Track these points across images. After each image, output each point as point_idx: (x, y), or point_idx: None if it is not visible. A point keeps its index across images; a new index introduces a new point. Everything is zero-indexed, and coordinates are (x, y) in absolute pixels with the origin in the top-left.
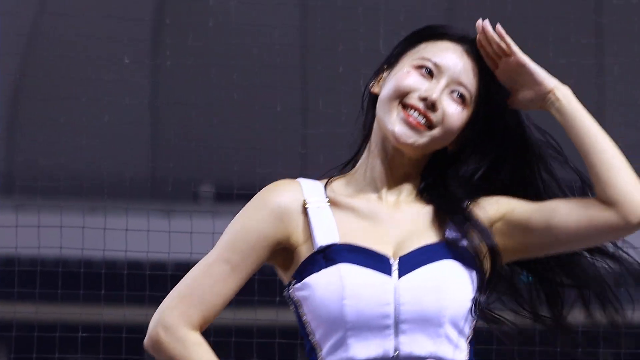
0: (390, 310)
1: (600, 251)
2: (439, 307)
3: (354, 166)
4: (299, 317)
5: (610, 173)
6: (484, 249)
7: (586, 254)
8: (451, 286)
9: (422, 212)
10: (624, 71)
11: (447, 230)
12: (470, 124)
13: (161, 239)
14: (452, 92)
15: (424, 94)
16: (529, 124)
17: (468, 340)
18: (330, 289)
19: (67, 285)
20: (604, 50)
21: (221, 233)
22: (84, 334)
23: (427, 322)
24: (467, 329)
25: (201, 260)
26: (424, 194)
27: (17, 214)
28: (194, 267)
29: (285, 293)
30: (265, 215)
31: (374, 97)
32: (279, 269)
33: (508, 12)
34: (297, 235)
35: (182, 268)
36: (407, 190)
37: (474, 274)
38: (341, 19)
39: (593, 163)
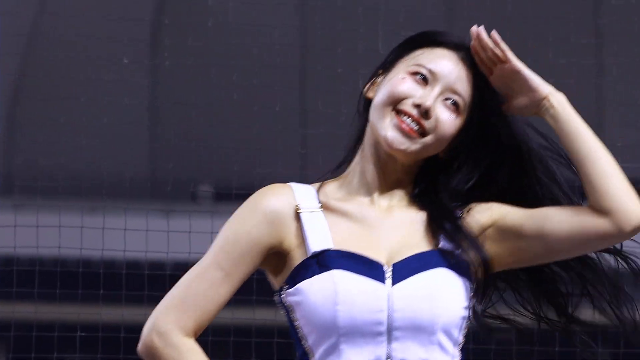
0: (383, 317)
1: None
2: (432, 315)
3: (346, 169)
4: (291, 322)
5: (604, 182)
6: (476, 259)
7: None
8: (444, 295)
9: (415, 219)
10: (623, 71)
11: (440, 238)
12: (463, 132)
13: (160, 238)
14: (446, 99)
15: (417, 101)
16: (525, 127)
17: (459, 347)
18: (323, 294)
19: (66, 285)
20: (604, 51)
21: None
22: (82, 334)
23: (420, 330)
24: (459, 336)
25: (194, 266)
26: (417, 200)
27: (15, 214)
28: (187, 273)
29: (276, 298)
30: (258, 220)
31: (368, 102)
32: (270, 273)
33: (508, 12)
34: (290, 240)
35: (180, 268)
36: (399, 196)
37: (467, 282)
38: (341, 19)
39: (587, 171)
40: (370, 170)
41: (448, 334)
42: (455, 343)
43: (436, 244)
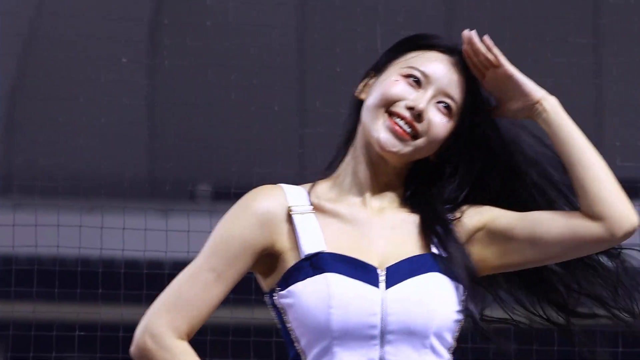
0: (377, 320)
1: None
2: (426, 319)
3: (336, 168)
4: (283, 324)
5: (596, 187)
6: (463, 265)
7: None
8: (437, 299)
9: (407, 221)
10: (623, 71)
11: (432, 242)
12: (454, 135)
13: (159, 237)
14: (439, 102)
15: (411, 104)
16: (517, 130)
17: (451, 351)
18: (316, 297)
19: (65, 284)
20: (603, 50)
21: None
22: (81, 333)
23: (413, 334)
24: (451, 340)
25: (187, 268)
26: (408, 203)
27: (14, 213)
28: (179, 274)
29: (267, 300)
30: (251, 222)
31: (359, 103)
32: (260, 275)
33: (507, 12)
34: (282, 241)
35: (179, 267)
36: (390, 197)
37: (459, 287)
38: (340, 19)
39: (579, 176)
40: (362, 171)
41: (441, 337)
42: (447, 347)
43: (428, 248)
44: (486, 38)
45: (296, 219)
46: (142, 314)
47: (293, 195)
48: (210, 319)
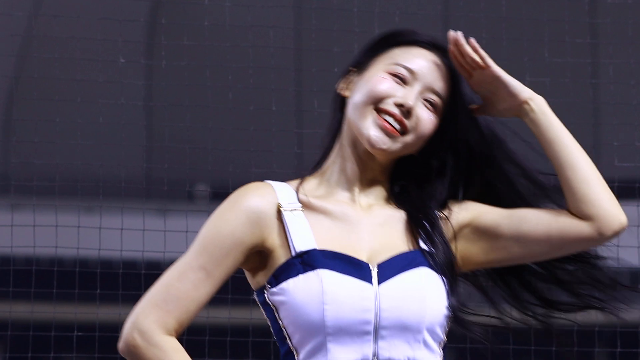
0: (370, 316)
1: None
2: (419, 314)
3: (321, 165)
4: (275, 321)
5: (584, 187)
6: (447, 261)
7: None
8: (429, 293)
9: (394, 218)
10: (619, 71)
11: (419, 238)
12: (438, 130)
13: (157, 238)
14: (425, 98)
15: (400, 101)
16: (496, 127)
17: (442, 346)
18: (310, 294)
19: (63, 285)
20: (599, 51)
21: None
22: (79, 333)
23: (407, 329)
24: (442, 335)
25: (175, 265)
26: (395, 199)
27: (12, 213)
28: (168, 271)
29: (257, 298)
30: (241, 220)
31: (342, 99)
32: (250, 272)
33: (503, 13)
34: (273, 239)
35: None
36: (378, 193)
37: (446, 282)
38: (336, 20)
39: (567, 176)
40: (349, 167)
41: (433, 332)
42: (439, 341)
43: (417, 244)
44: (472, 40)
45: (286, 216)
46: None
47: (282, 192)
48: (208, 320)
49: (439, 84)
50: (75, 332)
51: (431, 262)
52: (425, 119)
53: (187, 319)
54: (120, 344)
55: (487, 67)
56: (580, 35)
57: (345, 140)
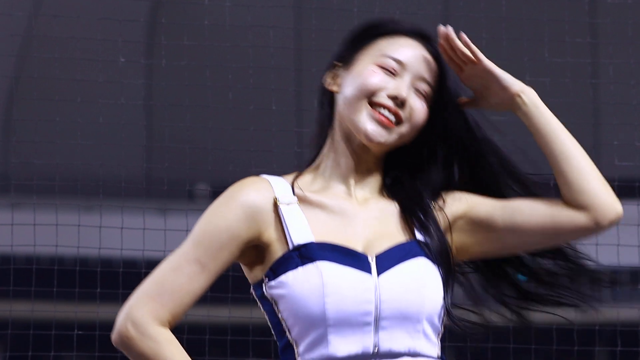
0: (371, 307)
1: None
2: (419, 304)
3: (314, 161)
4: (273, 315)
5: (579, 178)
6: (443, 251)
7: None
8: (428, 284)
9: (390, 211)
10: (619, 71)
11: (415, 229)
12: (429, 118)
13: (157, 237)
14: (415, 88)
15: (393, 93)
16: (478, 120)
17: (439, 337)
18: (310, 286)
19: (63, 284)
20: (599, 51)
21: None
22: (79, 332)
23: (407, 319)
24: (440, 325)
25: (170, 257)
26: (389, 190)
27: (12, 212)
28: (163, 263)
29: (254, 292)
30: (237, 214)
31: (330, 94)
32: (246, 266)
33: (503, 13)
34: (270, 232)
35: None
36: (373, 185)
37: (442, 272)
38: (336, 19)
39: (562, 168)
40: (344, 161)
41: (431, 322)
42: (437, 332)
43: (413, 235)
44: (462, 35)
45: (283, 209)
46: None
47: (278, 187)
48: (208, 318)
49: (427, 72)
50: (76, 331)
51: (427, 252)
52: (419, 108)
53: (181, 311)
54: (114, 336)
55: (479, 61)
56: (580, 35)
57: (338, 135)
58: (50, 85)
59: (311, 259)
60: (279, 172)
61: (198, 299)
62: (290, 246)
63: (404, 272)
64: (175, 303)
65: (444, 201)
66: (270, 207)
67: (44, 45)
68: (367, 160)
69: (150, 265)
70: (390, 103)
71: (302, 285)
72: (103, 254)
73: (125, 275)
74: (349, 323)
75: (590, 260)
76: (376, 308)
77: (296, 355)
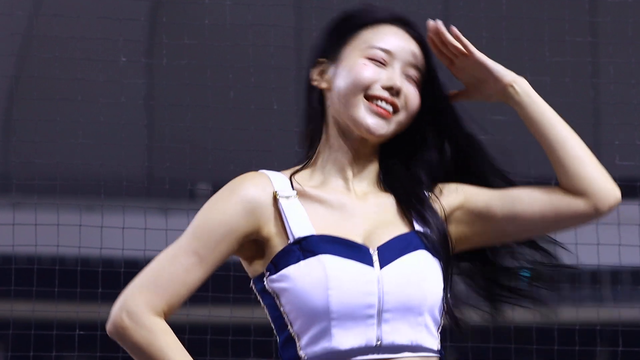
0: (374, 300)
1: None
2: (421, 297)
3: (310, 157)
4: (275, 308)
5: (577, 164)
6: (442, 241)
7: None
8: (429, 276)
9: (388, 202)
10: (619, 70)
11: (414, 220)
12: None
13: (158, 236)
14: (406, 74)
15: (387, 83)
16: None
17: (439, 330)
18: (313, 280)
19: (64, 283)
20: (600, 50)
21: None
22: (81, 332)
23: (409, 312)
24: (440, 318)
25: (168, 248)
26: (387, 183)
27: (14, 212)
28: (161, 254)
29: (254, 285)
30: (236, 208)
31: (319, 92)
32: (245, 261)
33: (503, 12)
34: (269, 227)
35: None
36: (371, 178)
37: (441, 264)
38: None
39: (559, 155)
40: (341, 157)
41: (432, 315)
42: (437, 325)
43: (412, 226)
44: (453, 28)
45: (283, 203)
46: None
47: (277, 181)
48: (210, 318)
49: (414, 57)
50: (77, 330)
51: (427, 244)
52: (412, 94)
53: (176, 302)
54: (108, 325)
55: (470, 53)
56: (580, 34)
57: (333, 131)
58: (51, 85)
59: (313, 252)
60: (280, 170)
61: (194, 290)
62: (291, 239)
63: (405, 264)
64: (171, 294)
65: (440, 191)
66: (269, 201)
67: (45, 44)
68: (364, 153)
69: None
70: (386, 94)
71: (305, 279)
72: (104, 253)
73: (126, 275)
74: (352, 316)
75: (555, 262)
76: (379, 301)
77: (298, 349)
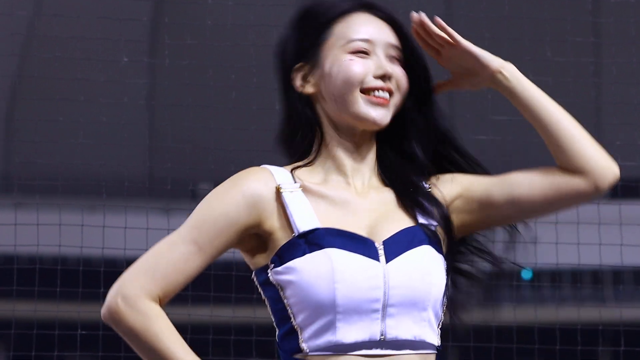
0: (379, 294)
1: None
2: (426, 292)
3: (304, 156)
4: (278, 301)
5: (573, 143)
6: (444, 230)
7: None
8: (433, 271)
9: (389, 196)
10: (621, 70)
11: (417, 213)
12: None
13: (160, 236)
14: (389, 56)
15: (378, 72)
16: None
17: (440, 326)
18: (320, 273)
19: (66, 283)
20: (602, 50)
21: None
22: (83, 332)
23: (413, 307)
24: (441, 313)
25: (168, 237)
26: (385, 176)
27: (16, 212)
28: (160, 242)
29: (257, 277)
30: (237, 202)
31: (306, 97)
32: (246, 253)
33: (505, 12)
34: (273, 220)
35: None
36: (370, 172)
37: (443, 258)
38: None
39: (554, 136)
40: (341, 154)
41: (435, 310)
42: (439, 320)
43: (415, 219)
44: (437, 19)
45: (286, 196)
46: None
47: (279, 175)
48: (212, 318)
49: (390, 37)
50: (79, 330)
51: (432, 237)
52: (400, 74)
53: (172, 290)
54: (103, 310)
55: (456, 42)
56: (582, 34)
57: (329, 131)
58: (52, 85)
59: (319, 246)
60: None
61: (191, 280)
62: (296, 232)
63: (410, 259)
64: (167, 280)
65: (437, 181)
66: (272, 195)
67: (46, 44)
68: (365, 142)
69: None
70: (380, 83)
71: (312, 272)
72: (106, 253)
73: None
74: (358, 310)
75: (496, 264)
76: (384, 295)
77: (300, 341)
